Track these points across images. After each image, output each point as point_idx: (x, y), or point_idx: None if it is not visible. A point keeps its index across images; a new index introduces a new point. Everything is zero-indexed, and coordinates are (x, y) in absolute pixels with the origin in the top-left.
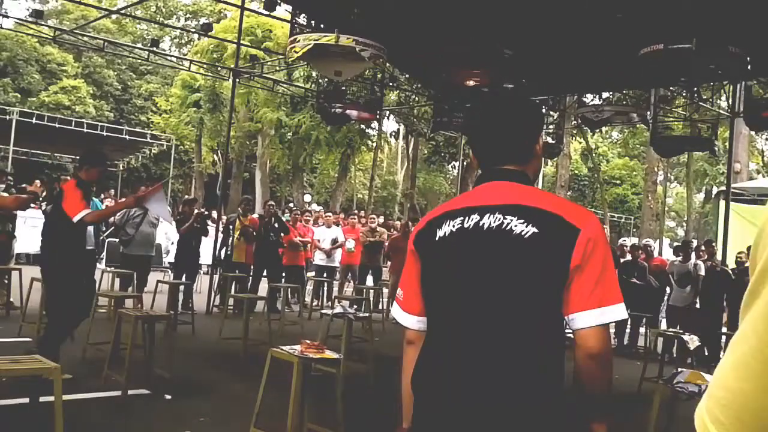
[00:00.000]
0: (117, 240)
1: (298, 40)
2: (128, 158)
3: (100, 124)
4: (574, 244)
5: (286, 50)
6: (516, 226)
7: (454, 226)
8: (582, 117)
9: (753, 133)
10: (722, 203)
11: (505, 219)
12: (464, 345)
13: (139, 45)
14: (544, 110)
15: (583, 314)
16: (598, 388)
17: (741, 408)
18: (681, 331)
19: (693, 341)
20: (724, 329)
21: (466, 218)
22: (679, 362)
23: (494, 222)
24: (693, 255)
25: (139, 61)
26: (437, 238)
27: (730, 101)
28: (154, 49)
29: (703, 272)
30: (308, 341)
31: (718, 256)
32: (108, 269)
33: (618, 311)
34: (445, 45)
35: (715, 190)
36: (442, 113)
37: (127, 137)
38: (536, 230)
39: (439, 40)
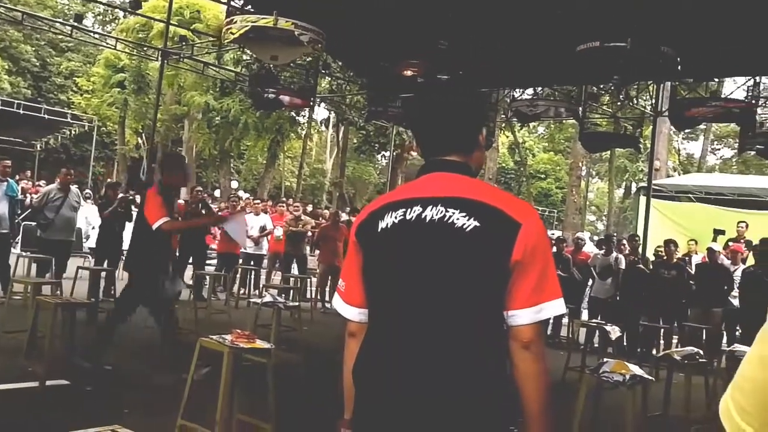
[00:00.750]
0: (34, 223)
1: (235, 22)
2: (47, 138)
3: (15, 101)
4: (515, 238)
5: (222, 32)
6: (458, 219)
7: (396, 217)
8: (516, 111)
9: (673, 132)
10: (642, 199)
11: (448, 211)
12: (404, 337)
13: (60, 20)
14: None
15: (523, 312)
16: (534, 380)
17: (763, 397)
18: (603, 322)
19: (614, 332)
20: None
21: (409, 210)
22: (601, 352)
23: (437, 214)
24: (614, 249)
25: (60, 37)
26: (379, 230)
27: (654, 101)
28: (77, 24)
29: (623, 265)
30: (239, 331)
31: (639, 250)
32: (24, 254)
33: (556, 306)
34: (382, 34)
35: (634, 186)
36: (375, 102)
37: (46, 116)
38: (478, 224)
39: (377, 30)
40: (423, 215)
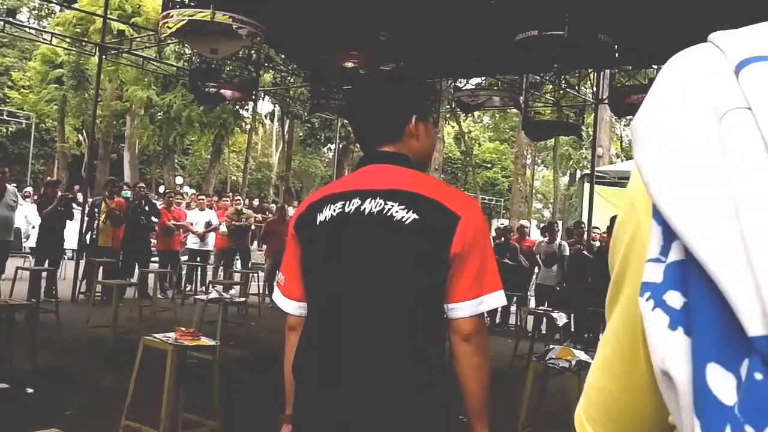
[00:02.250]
0: None
1: (172, 16)
2: None
3: None
4: (454, 231)
5: (159, 26)
6: (397, 212)
7: (334, 210)
8: (458, 101)
9: (614, 119)
10: (587, 186)
11: (386, 204)
12: (342, 330)
13: None
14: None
15: (462, 305)
16: (475, 372)
17: (609, 406)
18: (550, 309)
19: (561, 318)
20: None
21: (347, 202)
22: (549, 339)
23: (375, 207)
24: (558, 236)
25: None
26: (317, 222)
27: (594, 89)
28: (11, 19)
29: (567, 252)
30: (183, 328)
31: (585, 237)
32: None
33: (497, 298)
34: (322, 26)
35: (578, 173)
36: (319, 95)
37: None
38: (416, 216)
39: (317, 20)
40: (362, 208)
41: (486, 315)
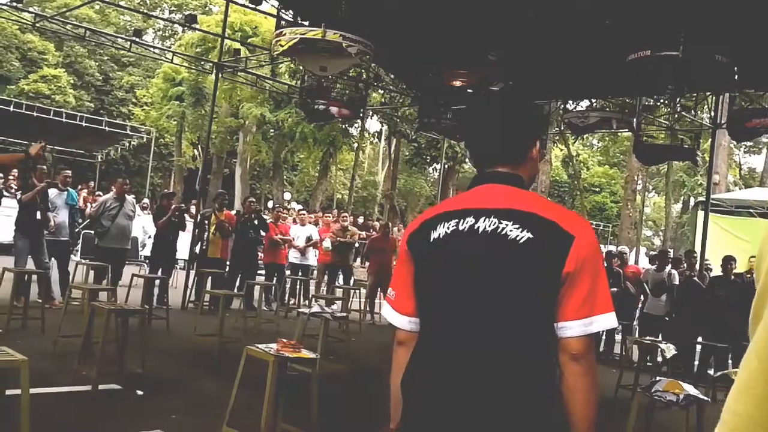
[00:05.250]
0: (92, 232)
1: (284, 34)
2: (107, 150)
3: (79, 114)
4: (568, 251)
5: (271, 44)
6: (511, 230)
7: (448, 228)
8: (568, 122)
9: (733, 145)
10: (701, 213)
11: (501, 223)
12: (456, 347)
13: (122, 35)
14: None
15: (573, 323)
16: (582, 394)
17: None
18: (658, 340)
19: (669, 350)
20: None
21: (461, 220)
22: (655, 370)
23: (489, 226)
24: (669, 264)
25: (122, 52)
26: (431, 240)
27: (712, 113)
28: (137, 39)
29: (677, 281)
30: (284, 340)
31: (696, 266)
32: (83, 261)
33: (608, 320)
34: (432, 46)
35: (692, 200)
36: (427, 114)
37: (107, 128)
38: (531, 236)
39: (427, 40)
40: (476, 226)
41: None
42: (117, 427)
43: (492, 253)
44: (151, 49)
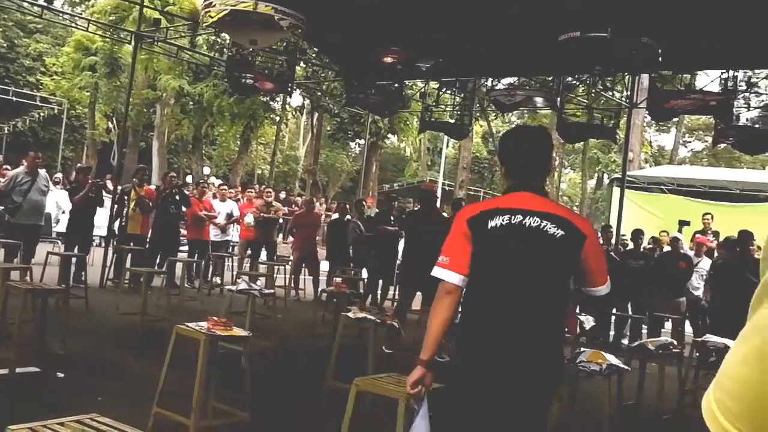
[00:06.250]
0: (2, 208)
1: (214, 5)
2: (14, 121)
3: None
4: (583, 244)
5: (200, 15)
6: (550, 228)
7: (503, 220)
8: (494, 100)
9: (645, 124)
10: (616, 190)
11: (542, 222)
12: (508, 301)
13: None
14: (452, 92)
15: (602, 288)
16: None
17: (752, 398)
18: (577, 312)
19: (588, 321)
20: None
21: (512, 216)
22: (574, 342)
23: (533, 223)
24: None
25: (29, 17)
26: (489, 227)
27: (629, 92)
28: (47, 5)
29: None
30: (215, 318)
31: (612, 240)
32: None
33: (609, 285)
34: (359, 22)
35: (605, 176)
36: (354, 89)
37: (14, 99)
38: (563, 233)
39: (354, 17)
40: (524, 222)
41: None
42: (37, 411)
43: (537, 242)
44: (63, 15)
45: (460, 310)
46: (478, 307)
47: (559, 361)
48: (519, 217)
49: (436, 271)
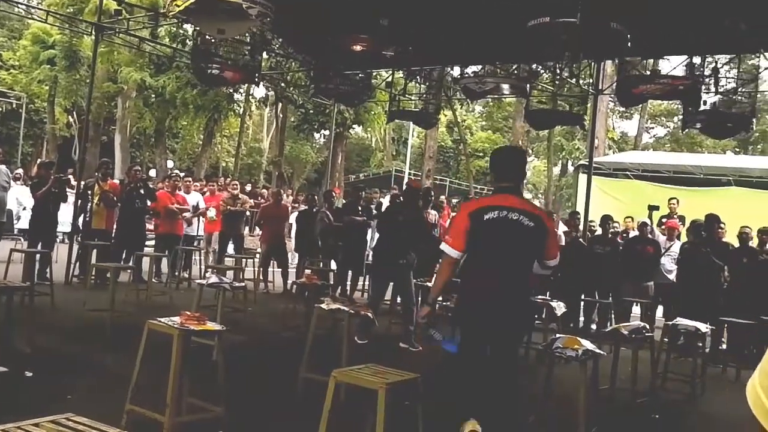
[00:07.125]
0: None
1: None
2: None
3: None
4: (547, 233)
5: (164, 5)
6: (524, 221)
7: (494, 214)
8: (464, 87)
9: (609, 110)
10: (582, 176)
11: (521, 216)
12: (498, 272)
13: None
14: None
15: (553, 261)
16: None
17: None
18: (549, 298)
19: (560, 307)
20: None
21: (500, 212)
22: (545, 328)
23: (515, 217)
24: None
25: None
26: (484, 219)
27: (594, 79)
28: None
29: (563, 242)
30: (188, 312)
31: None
32: None
33: (558, 259)
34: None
35: (569, 163)
36: (322, 79)
37: None
38: (533, 224)
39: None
40: (508, 216)
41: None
42: (8, 411)
43: (517, 231)
44: (20, 6)
45: (459, 273)
46: (476, 271)
47: (530, 308)
48: (505, 212)
49: (443, 246)
